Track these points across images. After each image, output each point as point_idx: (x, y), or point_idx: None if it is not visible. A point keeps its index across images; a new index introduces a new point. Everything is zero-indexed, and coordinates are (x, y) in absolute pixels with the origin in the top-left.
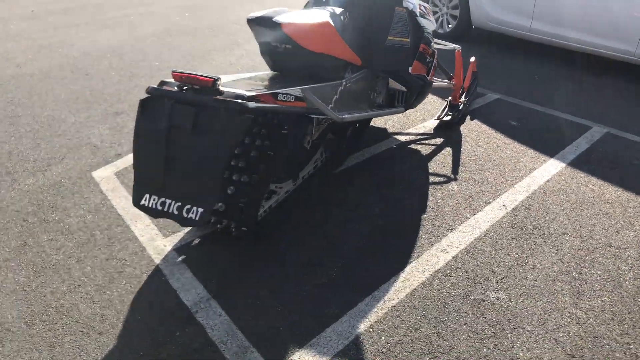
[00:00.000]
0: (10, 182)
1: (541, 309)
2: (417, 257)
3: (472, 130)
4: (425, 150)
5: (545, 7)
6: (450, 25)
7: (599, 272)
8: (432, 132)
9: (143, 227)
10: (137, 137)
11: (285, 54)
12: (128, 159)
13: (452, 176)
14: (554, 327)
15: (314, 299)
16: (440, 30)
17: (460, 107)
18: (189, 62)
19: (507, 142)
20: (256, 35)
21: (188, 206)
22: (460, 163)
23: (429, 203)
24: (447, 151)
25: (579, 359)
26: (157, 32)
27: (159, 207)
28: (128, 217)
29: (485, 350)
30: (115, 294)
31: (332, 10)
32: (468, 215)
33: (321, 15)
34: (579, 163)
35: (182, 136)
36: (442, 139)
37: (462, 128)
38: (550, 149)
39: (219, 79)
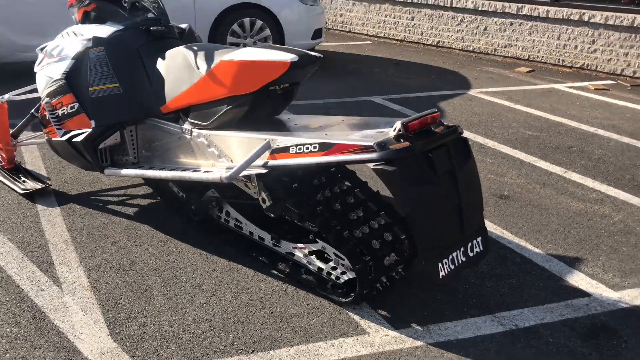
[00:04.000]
0: None
1: None
2: None
3: None
4: None
5: None
6: None
7: None
8: None
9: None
10: (417, 205)
11: (282, 94)
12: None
13: None
14: None
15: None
16: None
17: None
18: None
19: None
20: (290, 78)
21: (470, 244)
22: None
23: None
24: None
25: None
26: None
27: (452, 267)
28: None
29: None
30: None
31: None
32: None
33: None
34: None
35: (455, 181)
36: None
37: None
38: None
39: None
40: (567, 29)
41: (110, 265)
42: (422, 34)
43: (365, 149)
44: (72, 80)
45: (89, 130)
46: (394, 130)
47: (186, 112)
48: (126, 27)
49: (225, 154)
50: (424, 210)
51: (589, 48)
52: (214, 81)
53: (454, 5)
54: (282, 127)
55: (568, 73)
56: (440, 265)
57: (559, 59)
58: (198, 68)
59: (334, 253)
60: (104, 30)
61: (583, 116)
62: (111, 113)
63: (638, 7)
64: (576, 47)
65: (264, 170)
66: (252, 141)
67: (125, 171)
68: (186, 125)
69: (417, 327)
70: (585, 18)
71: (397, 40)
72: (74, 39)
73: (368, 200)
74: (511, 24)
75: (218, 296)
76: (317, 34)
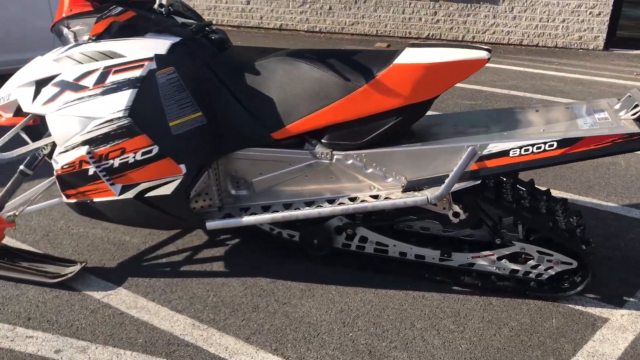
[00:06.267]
0: None
1: None
2: None
3: None
4: None
5: None
6: None
7: None
8: None
9: None
10: None
11: None
12: None
13: None
14: None
15: None
16: None
17: None
18: None
19: None
20: None
21: None
22: None
23: None
24: None
25: None
26: None
27: None
28: None
29: None
30: None
31: None
32: None
33: None
34: None
35: None
36: None
37: None
38: None
39: None
40: (410, 3)
41: (291, 337)
42: (261, 18)
43: (631, 136)
44: (138, 117)
45: (180, 177)
46: (635, 115)
47: (316, 134)
48: (185, 37)
49: (394, 173)
50: None
51: (432, 19)
52: (382, 91)
53: None
54: (434, 132)
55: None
56: None
57: (405, 32)
58: (348, 80)
59: (537, 251)
60: (155, 45)
61: (485, 80)
62: (201, 151)
63: None
64: (420, 19)
65: (477, 182)
66: (442, 151)
67: (249, 218)
68: (320, 148)
69: (632, 299)
70: None
71: (233, 26)
72: (112, 62)
73: (533, 192)
74: (356, 2)
75: (441, 330)
76: None
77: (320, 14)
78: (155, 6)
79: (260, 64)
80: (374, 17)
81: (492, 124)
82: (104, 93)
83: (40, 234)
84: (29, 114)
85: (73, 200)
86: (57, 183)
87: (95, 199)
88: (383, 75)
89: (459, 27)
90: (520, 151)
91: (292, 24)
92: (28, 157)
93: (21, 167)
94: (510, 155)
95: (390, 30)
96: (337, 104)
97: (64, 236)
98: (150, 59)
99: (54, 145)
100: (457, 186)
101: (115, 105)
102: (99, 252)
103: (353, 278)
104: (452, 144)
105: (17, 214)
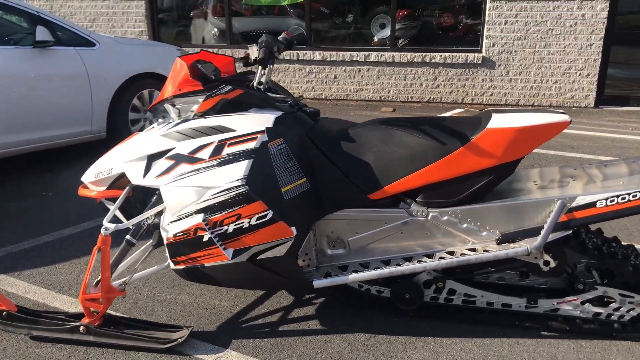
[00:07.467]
0: None
1: None
2: None
3: None
4: None
5: None
6: None
7: None
8: None
9: None
10: None
11: None
12: None
13: None
14: None
15: None
16: None
17: None
18: None
19: None
20: None
21: None
22: None
23: None
24: None
25: None
26: None
27: None
28: None
29: None
30: None
31: None
32: None
33: None
34: None
35: None
36: None
37: None
38: None
39: None
40: (412, 70)
41: None
42: None
43: None
44: (254, 185)
45: (291, 239)
46: None
47: (410, 193)
48: (285, 111)
49: (488, 227)
50: None
51: (433, 84)
52: (477, 152)
53: (300, 58)
54: (517, 187)
55: (421, 107)
56: None
57: (408, 97)
58: (444, 143)
59: (619, 294)
60: (262, 120)
61: None
62: (307, 214)
63: (468, 47)
64: (421, 84)
65: (569, 232)
66: (534, 205)
67: (355, 275)
68: (415, 207)
69: None
70: (427, 59)
71: None
72: (224, 135)
73: (604, 240)
74: (359, 71)
75: None
76: None
77: (326, 82)
78: (255, 84)
79: (355, 132)
80: (377, 83)
81: (566, 179)
82: (220, 164)
83: (129, 303)
84: (122, 187)
85: (182, 267)
86: (167, 250)
87: (207, 264)
88: (478, 138)
89: (458, 91)
90: (606, 202)
91: (298, 92)
92: (133, 227)
93: (127, 236)
94: (597, 206)
95: (393, 96)
96: (433, 165)
97: (153, 303)
98: (262, 132)
99: (157, 215)
100: (551, 236)
101: (233, 175)
102: (193, 317)
103: (445, 328)
104: (543, 198)
105: (126, 282)
